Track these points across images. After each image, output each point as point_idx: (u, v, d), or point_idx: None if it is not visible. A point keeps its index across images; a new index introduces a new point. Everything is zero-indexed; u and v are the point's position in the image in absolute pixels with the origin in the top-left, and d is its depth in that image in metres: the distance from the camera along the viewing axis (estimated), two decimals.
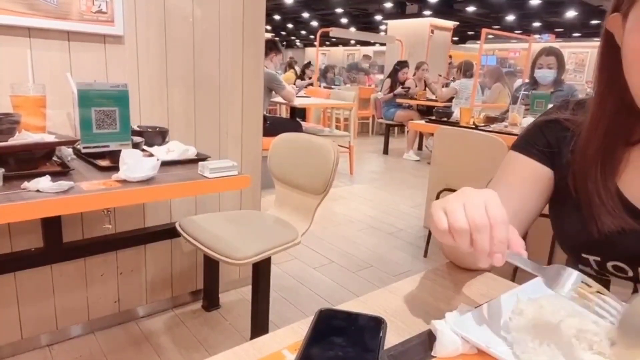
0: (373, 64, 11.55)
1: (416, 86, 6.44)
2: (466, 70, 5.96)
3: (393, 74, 6.46)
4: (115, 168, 1.17)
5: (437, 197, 2.68)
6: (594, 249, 0.71)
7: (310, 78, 8.51)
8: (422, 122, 3.58)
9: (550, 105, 2.94)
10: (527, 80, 3.59)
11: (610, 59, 0.66)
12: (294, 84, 6.17)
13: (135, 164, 1.15)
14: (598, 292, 0.50)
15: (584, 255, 0.73)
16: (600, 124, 0.69)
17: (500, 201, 0.52)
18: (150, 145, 1.49)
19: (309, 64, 9.20)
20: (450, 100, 5.80)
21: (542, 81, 3.17)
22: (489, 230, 0.49)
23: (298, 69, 9.61)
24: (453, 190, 2.41)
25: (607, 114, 0.68)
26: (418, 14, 11.10)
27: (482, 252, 0.49)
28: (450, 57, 9.65)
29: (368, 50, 17.08)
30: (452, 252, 0.76)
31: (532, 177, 0.76)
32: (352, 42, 17.54)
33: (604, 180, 0.68)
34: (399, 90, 6.29)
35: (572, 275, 0.51)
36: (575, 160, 0.72)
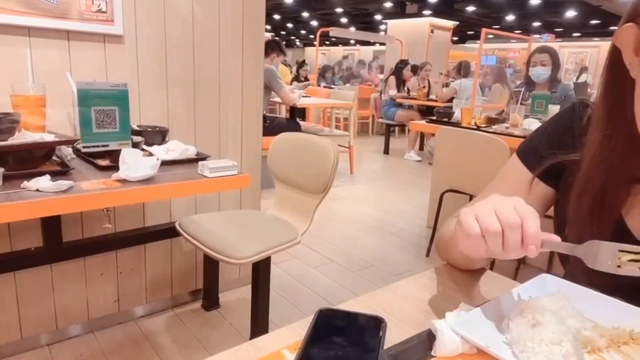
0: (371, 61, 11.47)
1: (419, 86, 6.45)
2: (464, 70, 5.96)
3: (397, 72, 6.47)
4: (115, 167, 1.17)
5: (441, 198, 2.68)
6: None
7: (305, 78, 8.49)
8: (423, 122, 3.57)
9: (550, 106, 2.92)
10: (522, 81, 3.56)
11: (617, 80, 0.59)
12: (291, 84, 6.15)
13: (135, 163, 1.15)
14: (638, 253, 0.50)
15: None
16: (601, 160, 0.61)
17: (526, 204, 0.53)
18: (150, 144, 1.49)
19: (302, 64, 9.15)
20: (450, 100, 5.81)
21: (537, 79, 3.12)
22: (520, 227, 0.51)
23: (291, 69, 9.58)
24: (456, 192, 2.39)
25: (609, 147, 0.61)
26: (418, 14, 11.09)
27: (514, 249, 0.51)
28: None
29: (368, 50, 17.09)
30: (447, 251, 0.76)
31: (522, 188, 0.74)
32: (352, 41, 17.53)
33: (600, 229, 0.63)
34: (403, 94, 6.31)
35: (609, 248, 0.51)
36: (569, 199, 0.67)
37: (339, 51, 18.73)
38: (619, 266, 0.50)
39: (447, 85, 6.72)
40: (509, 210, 0.51)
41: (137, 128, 1.60)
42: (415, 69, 6.94)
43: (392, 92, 6.34)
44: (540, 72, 3.11)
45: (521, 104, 2.90)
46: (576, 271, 0.68)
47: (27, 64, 1.39)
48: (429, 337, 0.53)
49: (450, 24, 9.64)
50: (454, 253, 0.72)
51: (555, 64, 3.13)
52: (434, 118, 3.52)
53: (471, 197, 2.71)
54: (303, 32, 20.79)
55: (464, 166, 2.49)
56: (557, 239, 0.53)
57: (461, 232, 0.54)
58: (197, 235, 1.61)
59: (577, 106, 0.72)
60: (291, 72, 9.04)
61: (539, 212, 0.75)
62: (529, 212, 0.52)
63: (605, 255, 0.51)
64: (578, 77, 10.15)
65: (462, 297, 0.66)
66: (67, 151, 1.32)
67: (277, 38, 6.16)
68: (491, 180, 0.81)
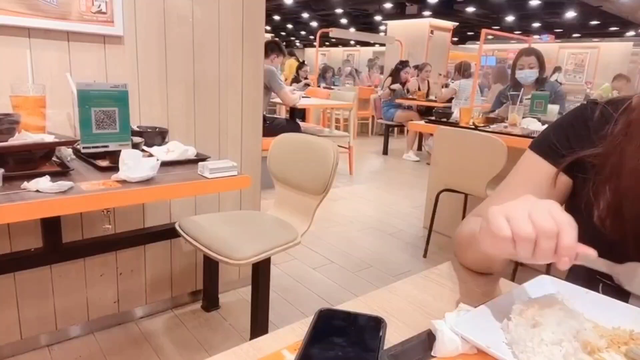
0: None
1: (419, 88, 6.45)
2: (464, 70, 5.96)
3: (395, 73, 6.47)
4: (114, 168, 1.17)
5: (437, 198, 2.68)
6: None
7: (305, 78, 8.47)
8: (422, 122, 3.57)
9: (549, 106, 2.90)
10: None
11: None
12: (290, 85, 6.16)
13: (135, 164, 1.15)
14: None
15: (597, 276, 0.67)
16: None
17: (563, 210, 0.50)
18: (150, 145, 1.49)
19: (302, 64, 9.13)
20: (449, 100, 5.81)
21: (524, 82, 3.11)
22: (556, 236, 0.47)
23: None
24: (453, 191, 2.37)
25: None
26: (418, 15, 11.09)
27: (544, 257, 0.48)
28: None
29: (367, 51, 17.09)
30: (465, 251, 0.74)
31: (544, 181, 0.73)
32: (352, 42, 17.54)
33: None
34: (397, 86, 6.30)
35: None
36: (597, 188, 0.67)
37: (339, 52, 18.74)
38: None
39: (446, 85, 6.73)
40: (545, 216, 0.48)
41: (137, 129, 1.59)
42: (417, 69, 6.95)
43: (382, 91, 6.39)
44: (529, 75, 3.10)
45: (518, 105, 2.90)
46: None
47: (27, 64, 1.39)
48: (429, 337, 0.53)
49: (450, 24, 9.65)
50: (474, 253, 0.71)
51: (542, 66, 3.13)
52: (433, 118, 3.52)
53: (466, 196, 2.70)
54: (303, 33, 20.79)
55: (461, 165, 2.50)
56: (594, 253, 0.50)
57: (488, 232, 0.51)
58: (197, 236, 1.61)
59: (589, 105, 0.74)
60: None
61: (558, 202, 0.75)
62: (566, 221, 0.48)
63: None
64: (550, 76, 10.24)
65: (462, 297, 0.66)
66: (67, 152, 1.32)
67: (277, 39, 6.16)
68: (507, 179, 0.79)
